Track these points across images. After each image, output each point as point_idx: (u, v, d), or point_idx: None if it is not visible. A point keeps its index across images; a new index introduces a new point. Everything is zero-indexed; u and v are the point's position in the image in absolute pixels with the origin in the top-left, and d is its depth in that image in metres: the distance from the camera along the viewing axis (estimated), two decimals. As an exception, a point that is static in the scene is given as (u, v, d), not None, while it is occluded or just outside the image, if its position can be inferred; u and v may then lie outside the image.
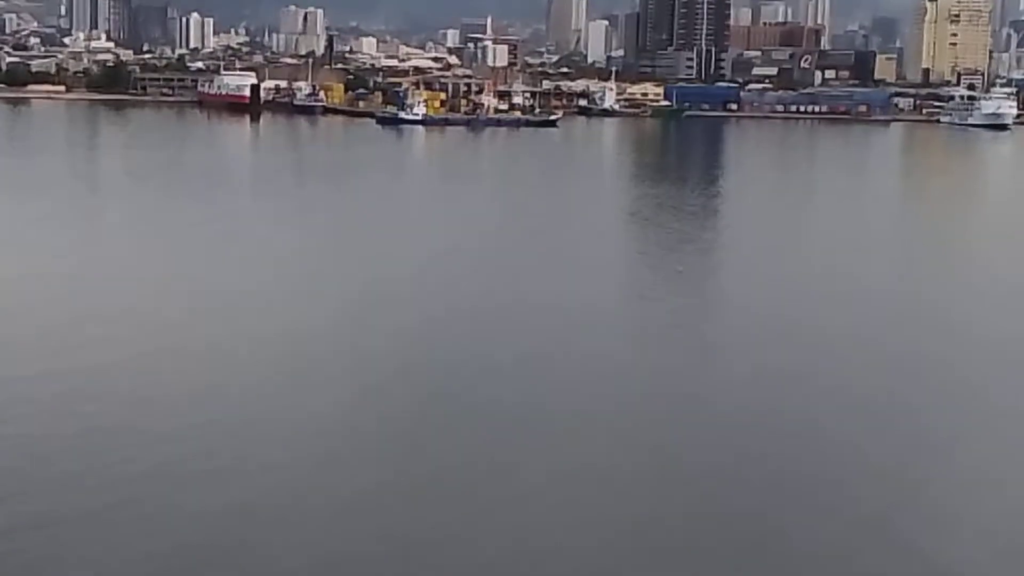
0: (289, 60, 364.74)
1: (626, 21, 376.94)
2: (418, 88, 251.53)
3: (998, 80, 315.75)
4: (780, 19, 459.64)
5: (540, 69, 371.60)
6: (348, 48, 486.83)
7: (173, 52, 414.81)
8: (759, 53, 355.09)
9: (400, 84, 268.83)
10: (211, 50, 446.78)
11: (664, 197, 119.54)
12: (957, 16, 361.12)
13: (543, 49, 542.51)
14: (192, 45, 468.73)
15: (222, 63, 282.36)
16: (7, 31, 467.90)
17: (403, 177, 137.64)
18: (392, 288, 62.05)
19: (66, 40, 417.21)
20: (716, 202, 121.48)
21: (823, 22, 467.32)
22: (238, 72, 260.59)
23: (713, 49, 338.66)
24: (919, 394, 45.22)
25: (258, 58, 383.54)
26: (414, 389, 42.59)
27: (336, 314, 54.96)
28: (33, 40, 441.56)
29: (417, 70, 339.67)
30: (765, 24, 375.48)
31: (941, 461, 38.28)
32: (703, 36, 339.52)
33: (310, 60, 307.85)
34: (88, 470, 33.40)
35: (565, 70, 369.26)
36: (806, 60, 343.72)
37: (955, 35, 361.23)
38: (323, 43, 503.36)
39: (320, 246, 76.49)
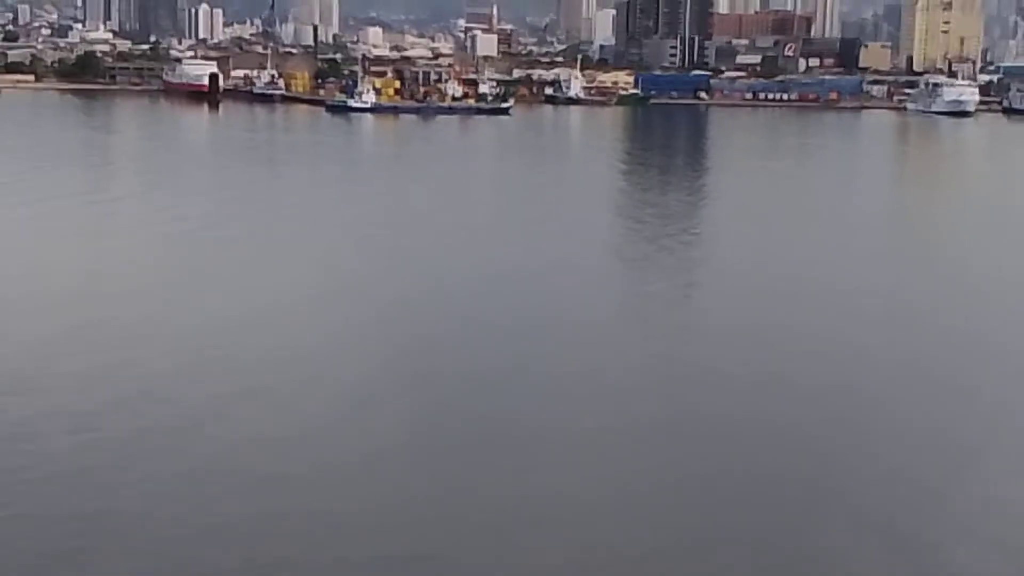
0: (290, 50, 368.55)
1: (618, 9, 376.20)
2: (374, 76, 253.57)
3: (960, 68, 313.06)
4: (787, 7, 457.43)
5: (530, 58, 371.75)
6: (355, 38, 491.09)
7: (180, 43, 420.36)
8: (746, 41, 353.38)
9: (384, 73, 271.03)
10: (217, 41, 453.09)
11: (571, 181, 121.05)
12: (949, 3, 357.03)
13: (553, 39, 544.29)
14: (201, 36, 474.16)
15: (187, 53, 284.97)
16: (20, 22, 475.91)
17: (306, 165, 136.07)
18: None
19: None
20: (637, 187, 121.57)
21: (830, 10, 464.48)
22: (198, 61, 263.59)
23: (697, 37, 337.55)
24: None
25: (257, 48, 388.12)
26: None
27: None
28: (44, 32, 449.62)
29: (405, 59, 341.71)
30: (756, 12, 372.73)
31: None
32: (686, 24, 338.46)
33: (270, 48, 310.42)
34: None
35: (560, 59, 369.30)
36: (790, 48, 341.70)
37: (947, 22, 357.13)
38: (332, 33, 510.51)
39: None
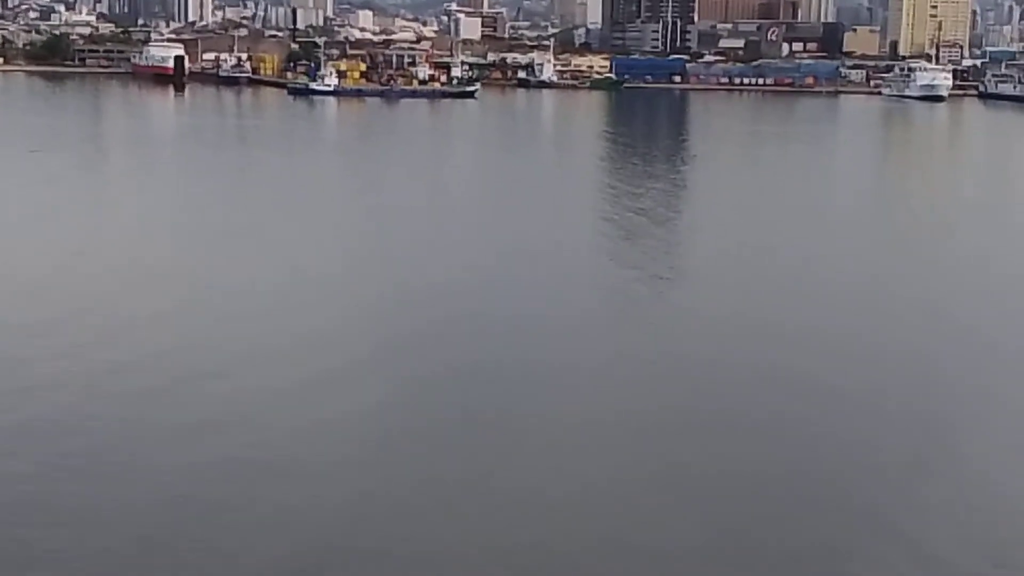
0: (275, 33, 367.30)
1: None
2: (350, 59, 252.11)
3: (944, 53, 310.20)
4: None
5: (514, 42, 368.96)
6: (344, 21, 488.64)
7: (168, 26, 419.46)
8: (729, 25, 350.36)
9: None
10: (205, 24, 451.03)
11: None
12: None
13: (547, 23, 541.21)
14: (191, 19, 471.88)
15: (153, 35, 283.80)
16: (9, 5, 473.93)
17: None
18: None
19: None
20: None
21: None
22: (163, 44, 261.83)
23: (679, 21, 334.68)
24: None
25: (242, 32, 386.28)
26: None
27: None
28: (32, 15, 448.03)
29: (387, 43, 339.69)
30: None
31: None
32: (669, 8, 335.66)
33: (240, 30, 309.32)
34: None
35: (544, 43, 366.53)
36: (773, 32, 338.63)
37: (935, 6, 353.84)
38: (322, 16, 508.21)
39: None
